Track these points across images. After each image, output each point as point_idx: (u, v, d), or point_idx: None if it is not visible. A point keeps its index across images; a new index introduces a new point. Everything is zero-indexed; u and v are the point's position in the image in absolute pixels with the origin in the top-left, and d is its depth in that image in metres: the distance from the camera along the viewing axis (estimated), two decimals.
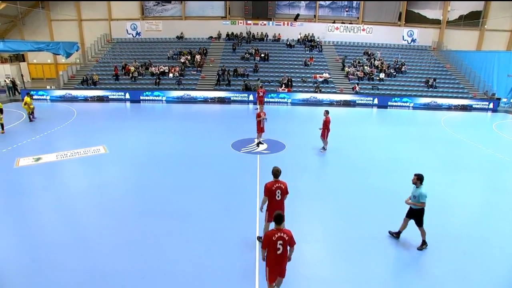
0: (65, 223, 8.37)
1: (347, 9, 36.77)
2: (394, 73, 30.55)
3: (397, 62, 31.75)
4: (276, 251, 5.20)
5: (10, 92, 29.32)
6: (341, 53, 33.84)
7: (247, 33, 35.14)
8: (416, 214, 7.39)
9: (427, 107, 26.98)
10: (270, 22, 35.85)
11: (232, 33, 35.46)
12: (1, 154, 13.50)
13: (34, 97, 27.37)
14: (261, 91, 22.08)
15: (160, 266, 6.71)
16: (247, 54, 32.23)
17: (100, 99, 27.41)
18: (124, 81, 29.44)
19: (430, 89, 28.94)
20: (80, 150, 13.94)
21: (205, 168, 12.23)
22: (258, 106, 18.74)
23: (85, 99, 27.39)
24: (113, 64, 31.19)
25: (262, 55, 32.18)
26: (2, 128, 16.51)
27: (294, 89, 28.26)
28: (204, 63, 31.57)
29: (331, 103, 26.88)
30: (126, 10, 36.93)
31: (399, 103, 27.08)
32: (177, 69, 30.16)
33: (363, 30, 35.50)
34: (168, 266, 6.73)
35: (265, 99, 26.27)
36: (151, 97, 27.28)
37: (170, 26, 35.91)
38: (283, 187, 6.94)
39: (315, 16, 36.85)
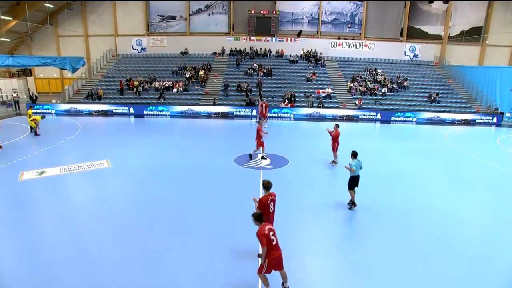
0: (68, 237, 8.32)
1: (349, 25, 37.25)
2: (397, 88, 30.68)
3: (400, 77, 31.93)
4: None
5: (16, 106, 29.68)
6: (344, 68, 34.13)
7: (250, 48, 35.61)
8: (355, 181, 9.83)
9: (430, 121, 26.97)
10: (273, 38, 36.34)
11: (236, 48, 35.94)
12: (5, 167, 13.57)
13: (39, 110, 27.75)
14: (264, 104, 22.31)
15: (162, 282, 6.63)
16: (250, 70, 32.57)
17: (105, 113, 27.66)
18: (128, 96, 29.74)
19: (433, 103, 28.98)
20: (83, 164, 13.98)
21: (208, 183, 12.20)
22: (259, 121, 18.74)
23: (90, 113, 27.65)
24: (118, 79, 31.59)
25: (265, 70, 32.50)
26: None
27: (297, 104, 28.40)
28: (208, 78, 31.90)
29: (334, 118, 26.95)
30: (132, 26, 37.59)
31: (402, 118, 27.10)
32: (181, 84, 30.48)
33: (366, 45, 35.87)
34: (170, 281, 6.65)
35: (269, 114, 26.49)
36: (155, 112, 27.48)
37: (175, 42, 36.46)
38: (275, 198, 7.20)
39: (317, 32, 37.33)
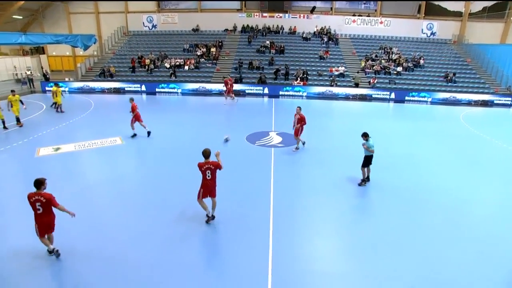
0: (82, 212, 8.58)
1: (364, 1, 36.08)
2: (412, 67, 29.93)
3: (416, 55, 31.06)
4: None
5: (31, 84, 30.09)
6: (358, 46, 33.33)
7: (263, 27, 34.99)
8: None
9: (445, 102, 26.37)
10: (286, 14, 35.53)
11: (248, 25, 35.33)
12: (23, 143, 13.93)
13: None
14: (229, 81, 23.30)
15: (170, 258, 6.83)
16: (262, 47, 32.10)
17: (117, 91, 27.85)
18: (140, 73, 29.78)
19: (449, 83, 28.24)
20: (97, 141, 14.24)
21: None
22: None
23: (102, 91, 27.87)
24: (130, 57, 31.57)
25: (278, 47, 31.99)
26: (18, 121, 16.56)
27: (310, 82, 28.05)
28: (219, 55, 31.61)
29: (346, 97, 26.59)
30: (142, 2, 37.15)
31: (416, 98, 26.56)
32: (193, 61, 30.32)
33: (381, 23, 34.81)
34: (179, 258, 6.85)
35: (281, 92, 26.43)
36: (166, 89, 27.54)
37: (186, 19, 36.01)
38: (213, 167, 7.64)
39: (331, 8, 36.33)
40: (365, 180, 10.33)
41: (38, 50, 41.29)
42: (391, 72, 29.34)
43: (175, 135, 15.35)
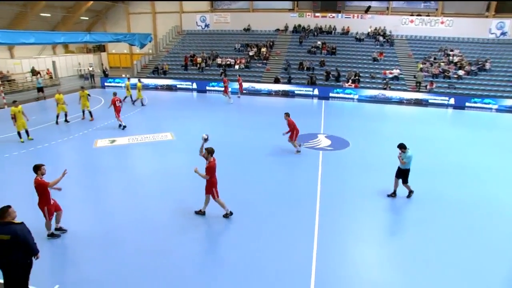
0: (131, 202, 9.08)
1: (424, 1, 34.15)
2: (476, 71, 27.77)
3: (480, 58, 28.77)
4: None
5: (92, 79, 32.39)
6: (415, 48, 31.63)
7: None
8: (402, 173, 9.27)
9: None
10: (339, 14, 34.69)
11: (299, 25, 35.03)
12: (83, 134, 15.02)
13: (111, 84, 30.00)
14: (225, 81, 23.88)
15: (215, 256, 6.91)
16: (313, 48, 31.65)
17: (169, 88, 28.99)
18: (192, 71, 30.75)
19: None
20: (149, 136, 14.91)
21: (265, 161, 12.31)
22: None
23: (155, 88, 29.17)
24: (183, 55, 32.73)
25: (329, 48, 31.35)
26: (91, 116, 17.72)
27: (361, 85, 27.13)
28: (270, 55, 31.67)
29: (400, 101, 25.35)
30: (197, 3, 38.31)
31: (479, 104, 24.56)
32: (243, 61, 30.69)
33: (442, 22, 32.65)
34: (224, 253, 6.90)
35: (331, 94, 25.98)
36: (217, 88, 28.13)
37: (238, 19, 36.54)
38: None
39: (388, 8, 34.84)
40: (393, 194, 9.57)
41: (100, 48, 44.34)
42: (451, 76, 27.47)
43: (223, 134, 15.58)
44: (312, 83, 27.32)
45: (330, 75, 27.90)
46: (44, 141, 13.98)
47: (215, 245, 7.27)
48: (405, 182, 9.33)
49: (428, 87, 26.25)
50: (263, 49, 31.96)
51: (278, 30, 35.56)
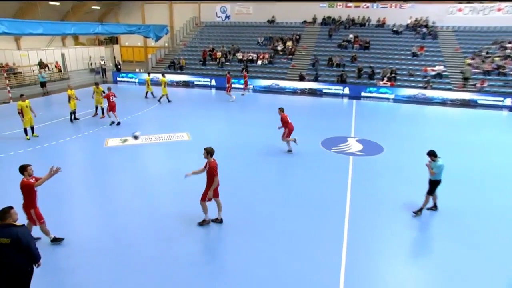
0: (142, 205, 9.40)
1: None
2: None
3: None
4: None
5: (104, 73, 33.42)
6: (464, 41, 30.83)
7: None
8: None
9: None
10: (374, 4, 34.33)
11: (329, 17, 34.93)
12: (93, 133, 15.56)
13: (123, 79, 30.86)
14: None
15: (235, 273, 7.02)
16: (344, 42, 31.47)
17: (186, 84, 29.56)
18: (210, 67, 31.20)
19: None
20: (164, 135, 15.28)
21: (290, 165, 12.38)
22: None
23: (171, 84, 29.73)
24: (201, 49, 33.27)
25: (362, 42, 31.08)
26: (102, 113, 18.28)
27: (398, 83, 26.72)
28: (296, 50, 31.74)
29: (443, 102, 24.79)
30: None
31: None
32: (266, 56, 30.89)
33: (499, 10, 31.34)
34: (244, 267, 7.01)
35: (363, 93, 25.77)
36: (237, 85, 28.40)
37: (261, 9, 36.85)
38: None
39: None
40: (434, 207, 9.36)
41: (112, 40, 45.70)
42: (507, 72, 26.60)
43: (243, 135, 15.78)
44: (342, 81, 27.16)
45: (363, 72, 27.66)
46: (51, 138, 14.58)
47: (234, 258, 7.37)
48: (430, 193, 9.04)
49: (478, 85, 25.51)
50: (289, 43, 32.06)
51: (305, 22, 35.61)
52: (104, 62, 35.49)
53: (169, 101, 22.38)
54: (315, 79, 27.90)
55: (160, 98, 22.39)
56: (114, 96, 16.80)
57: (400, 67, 28.24)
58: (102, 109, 18.10)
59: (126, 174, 11.44)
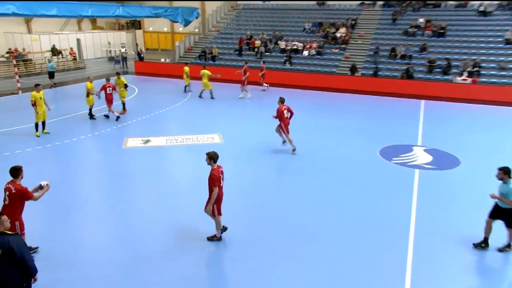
0: (162, 214, 9.77)
1: None
2: None
3: None
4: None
5: (124, 63, 34.63)
6: None
7: None
8: (505, 213, 8.01)
9: None
10: None
11: None
12: (111, 131, 16.20)
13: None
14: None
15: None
16: (412, 28, 30.84)
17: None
18: (247, 57, 31.54)
19: None
20: (192, 137, 15.67)
21: (340, 177, 12.29)
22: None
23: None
24: (237, 36, 33.74)
25: (436, 28, 30.29)
26: (124, 108, 19.13)
27: (484, 79, 25.71)
28: (351, 38, 31.49)
29: None
30: None
31: None
32: (314, 45, 30.85)
33: None
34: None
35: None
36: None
37: None
38: (223, 170, 8.36)
39: None
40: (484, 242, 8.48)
41: (134, 24, 47.31)
42: None
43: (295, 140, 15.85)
44: (408, 76, 26.62)
45: (435, 65, 26.96)
46: (63, 136, 15.33)
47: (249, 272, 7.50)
48: (510, 225, 8.17)
49: None
50: (342, 30, 31.86)
51: (363, 4, 35.37)
52: (125, 50, 36.71)
53: (212, 97, 22.87)
54: (374, 74, 27.54)
55: (201, 92, 22.95)
56: (113, 88, 17.47)
57: (487, 58, 27.13)
58: (123, 104, 18.79)
59: (146, 181, 11.79)
